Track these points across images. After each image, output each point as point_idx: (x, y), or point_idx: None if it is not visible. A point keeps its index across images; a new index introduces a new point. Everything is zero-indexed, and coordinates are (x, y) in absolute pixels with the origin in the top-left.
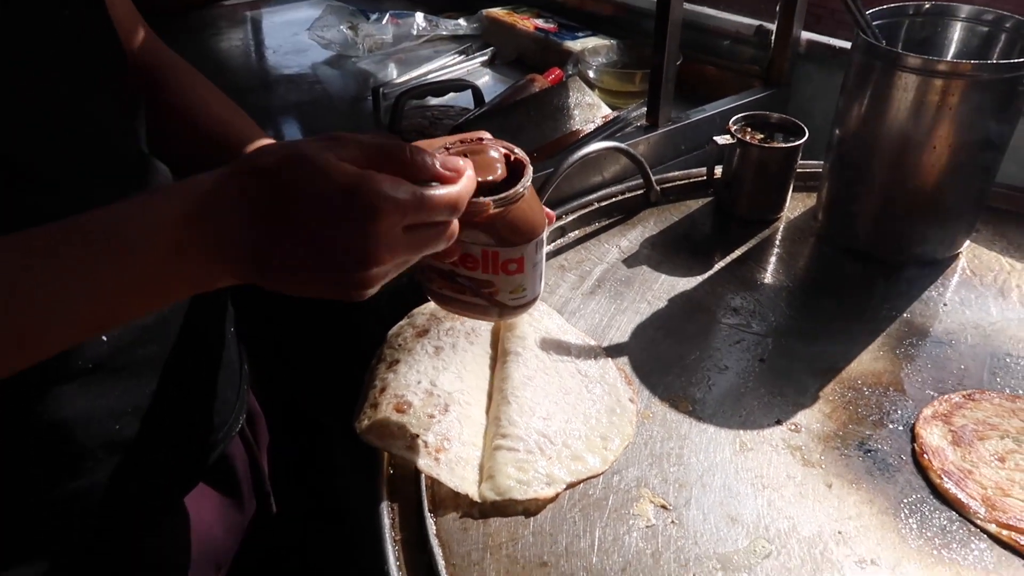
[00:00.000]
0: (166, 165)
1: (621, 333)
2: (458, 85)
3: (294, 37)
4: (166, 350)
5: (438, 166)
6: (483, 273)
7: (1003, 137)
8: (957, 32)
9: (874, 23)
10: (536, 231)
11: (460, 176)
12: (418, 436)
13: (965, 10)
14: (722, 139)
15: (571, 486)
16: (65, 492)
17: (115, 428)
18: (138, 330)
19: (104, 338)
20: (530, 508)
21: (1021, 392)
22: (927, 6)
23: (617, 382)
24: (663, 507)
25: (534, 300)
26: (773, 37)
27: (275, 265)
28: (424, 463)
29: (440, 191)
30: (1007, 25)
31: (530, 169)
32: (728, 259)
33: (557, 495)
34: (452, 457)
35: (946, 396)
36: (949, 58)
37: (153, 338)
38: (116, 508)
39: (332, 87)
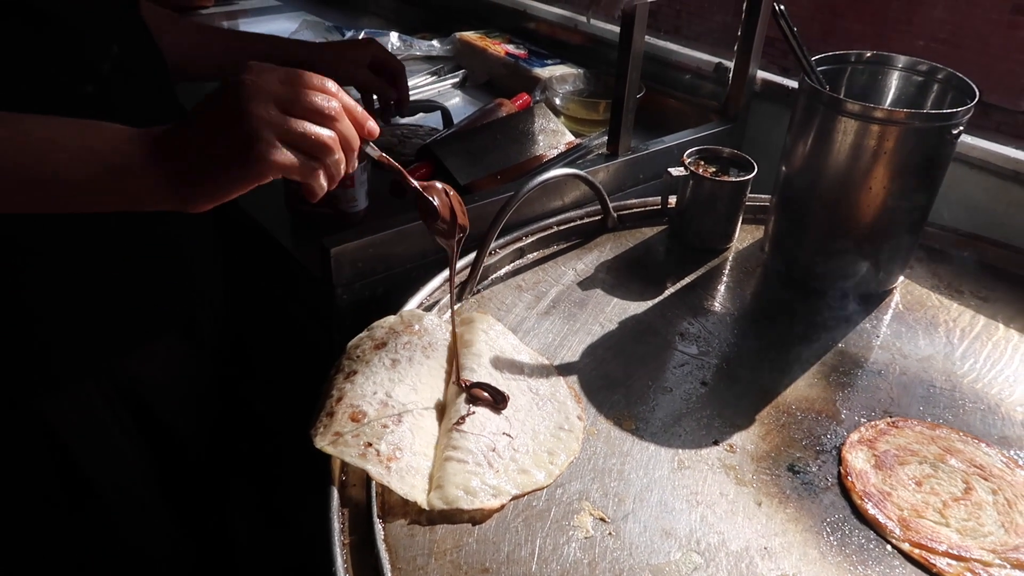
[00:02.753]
0: None
1: (572, 353)
2: (428, 106)
3: None
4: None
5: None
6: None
7: (934, 180)
8: (895, 80)
9: (819, 68)
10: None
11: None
12: (371, 444)
13: (902, 60)
14: (676, 171)
15: (516, 498)
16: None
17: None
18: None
19: None
20: (476, 517)
21: (942, 421)
22: (868, 55)
23: (567, 400)
24: (602, 520)
25: (364, 210)
26: (731, 74)
27: (191, 149)
28: (375, 471)
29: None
30: (939, 76)
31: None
32: (679, 285)
33: (503, 506)
34: (403, 466)
35: (872, 422)
36: (887, 104)
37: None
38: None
39: None
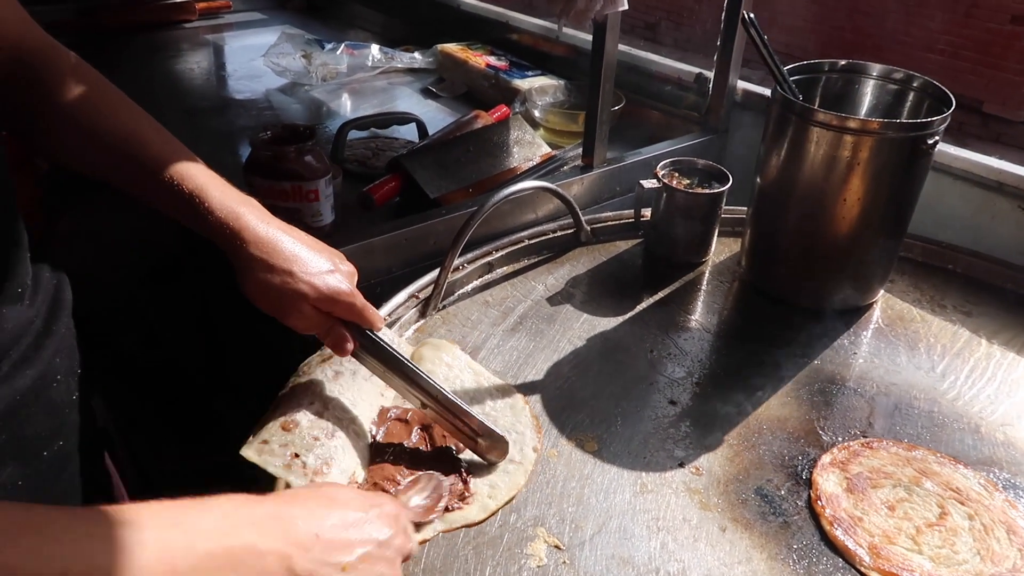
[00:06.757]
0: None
1: (537, 371)
2: (402, 118)
3: (250, 63)
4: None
5: None
6: (293, 203)
7: (911, 192)
8: (870, 89)
9: (792, 78)
10: (325, 172)
11: None
12: (298, 456)
13: (877, 68)
14: (648, 183)
15: (445, 532)
16: None
17: None
18: None
19: None
20: None
21: (920, 441)
22: (842, 63)
23: (527, 430)
24: (557, 547)
25: (330, 224)
26: (711, 85)
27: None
28: (299, 483)
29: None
30: (915, 84)
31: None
32: (651, 300)
33: (425, 541)
34: (330, 482)
35: (846, 444)
36: (863, 114)
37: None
38: None
39: (284, 114)
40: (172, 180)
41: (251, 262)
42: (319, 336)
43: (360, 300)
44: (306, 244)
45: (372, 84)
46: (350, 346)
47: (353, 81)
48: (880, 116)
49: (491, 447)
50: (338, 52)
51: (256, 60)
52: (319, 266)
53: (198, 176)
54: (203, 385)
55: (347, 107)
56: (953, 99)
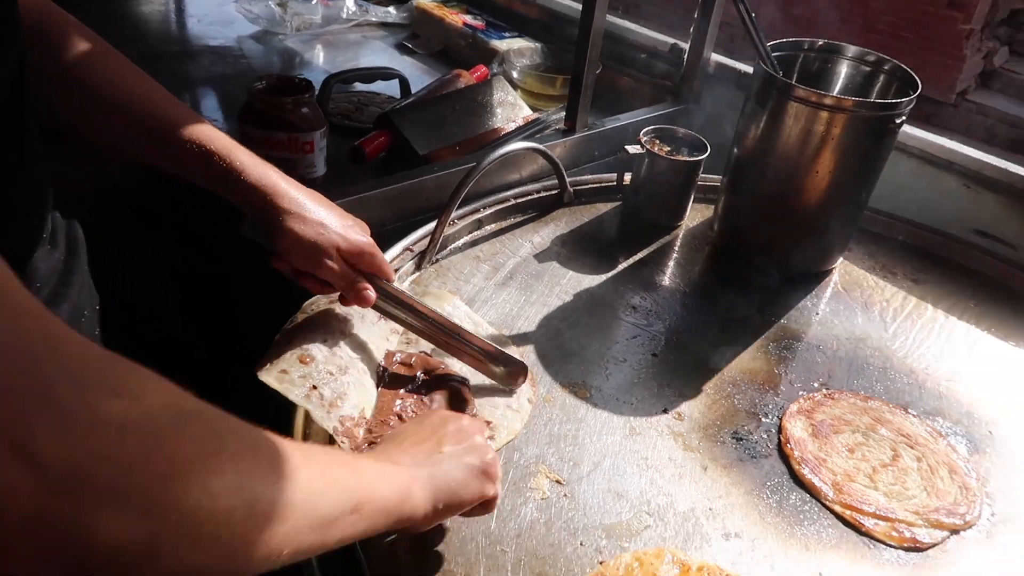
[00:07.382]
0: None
1: (529, 323)
2: (386, 73)
3: (220, 8)
4: None
5: None
6: (288, 153)
7: (876, 167)
8: (844, 69)
9: (774, 54)
10: (321, 124)
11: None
12: (316, 388)
13: (851, 50)
14: (633, 149)
15: None
16: None
17: None
18: None
19: None
20: None
21: (874, 393)
22: (820, 43)
23: (525, 383)
24: (557, 482)
25: (321, 177)
26: (686, 56)
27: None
28: (318, 413)
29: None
30: (885, 67)
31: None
32: (631, 260)
33: None
34: (344, 414)
35: (810, 394)
36: (836, 92)
37: None
38: None
39: (256, 63)
40: (196, 142)
41: (287, 216)
42: (341, 289)
43: (380, 253)
44: (324, 204)
45: (346, 37)
46: (373, 295)
47: (327, 32)
48: (852, 95)
49: (511, 373)
50: (313, 2)
51: (227, 5)
52: (343, 221)
53: (221, 138)
54: (179, 333)
55: (321, 58)
56: (919, 83)
